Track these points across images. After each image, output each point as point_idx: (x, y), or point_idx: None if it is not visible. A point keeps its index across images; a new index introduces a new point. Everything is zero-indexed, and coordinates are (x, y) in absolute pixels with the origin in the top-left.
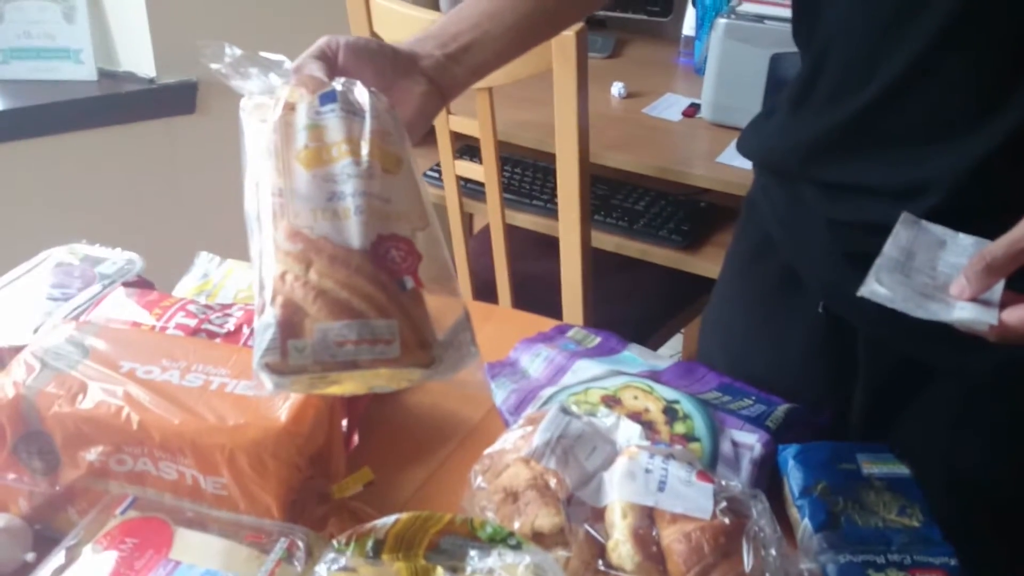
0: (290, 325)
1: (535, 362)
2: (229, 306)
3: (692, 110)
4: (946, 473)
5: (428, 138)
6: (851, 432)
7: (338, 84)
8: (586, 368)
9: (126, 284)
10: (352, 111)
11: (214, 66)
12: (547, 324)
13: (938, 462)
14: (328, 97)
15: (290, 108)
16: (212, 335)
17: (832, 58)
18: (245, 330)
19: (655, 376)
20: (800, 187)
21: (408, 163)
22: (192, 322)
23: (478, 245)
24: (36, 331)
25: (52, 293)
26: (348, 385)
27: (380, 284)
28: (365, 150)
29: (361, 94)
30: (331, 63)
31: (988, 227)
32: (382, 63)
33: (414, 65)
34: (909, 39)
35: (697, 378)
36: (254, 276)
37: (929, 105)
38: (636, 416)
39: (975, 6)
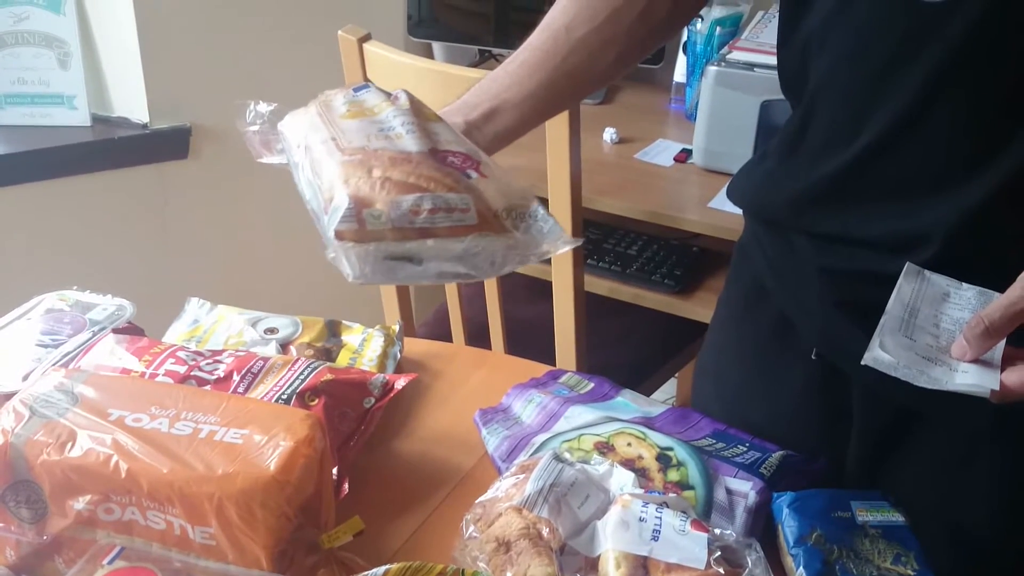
0: (363, 199)
1: (528, 408)
2: (219, 352)
3: (683, 156)
4: (941, 521)
5: None
6: (846, 479)
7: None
8: (579, 414)
9: (116, 330)
10: (386, 93)
11: (251, 128)
12: (540, 369)
13: (933, 510)
14: (362, 87)
15: (326, 101)
16: (202, 382)
17: (820, 111)
18: (235, 377)
19: (648, 422)
20: (791, 236)
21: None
22: (182, 368)
23: (470, 289)
24: (26, 378)
25: (42, 339)
26: (431, 265)
27: (445, 172)
28: (405, 103)
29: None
30: None
31: (987, 276)
32: None
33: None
34: (896, 93)
35: (691, 424)
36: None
37: (919, 157)
38: (629, 463)
39: (962, 59)
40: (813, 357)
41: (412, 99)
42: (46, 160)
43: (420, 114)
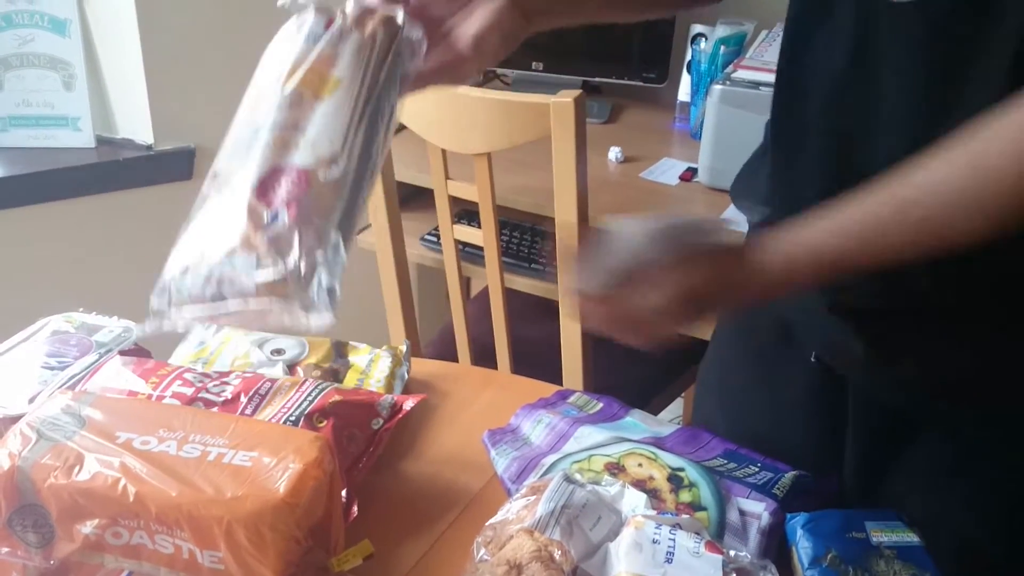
0: None
1: (537, 428)
2: (226, 374)
3: (689, 174)
4: (941, 532)
5: (427, 202)
6: (845, 485)
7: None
8: (589, 434)
9: (123, 353)
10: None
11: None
12: (548, 389)
13: (932, 520)
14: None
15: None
16: (209, 404)
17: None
18: (243, 398)
19: (659, 443)
20: None
21: (351, 89)
22: (189, 390)
23: (476, 309)
24: (32, 400)
25: (48, 362)
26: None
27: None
28: (297, 79)
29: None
30: None
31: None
32: None
33: None
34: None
35: (701, 444)
36: None
37: None
38: (641, 484)
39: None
40: (812, 360)
41: (325, 54)
42: (50, 182)
43: (312, 84)
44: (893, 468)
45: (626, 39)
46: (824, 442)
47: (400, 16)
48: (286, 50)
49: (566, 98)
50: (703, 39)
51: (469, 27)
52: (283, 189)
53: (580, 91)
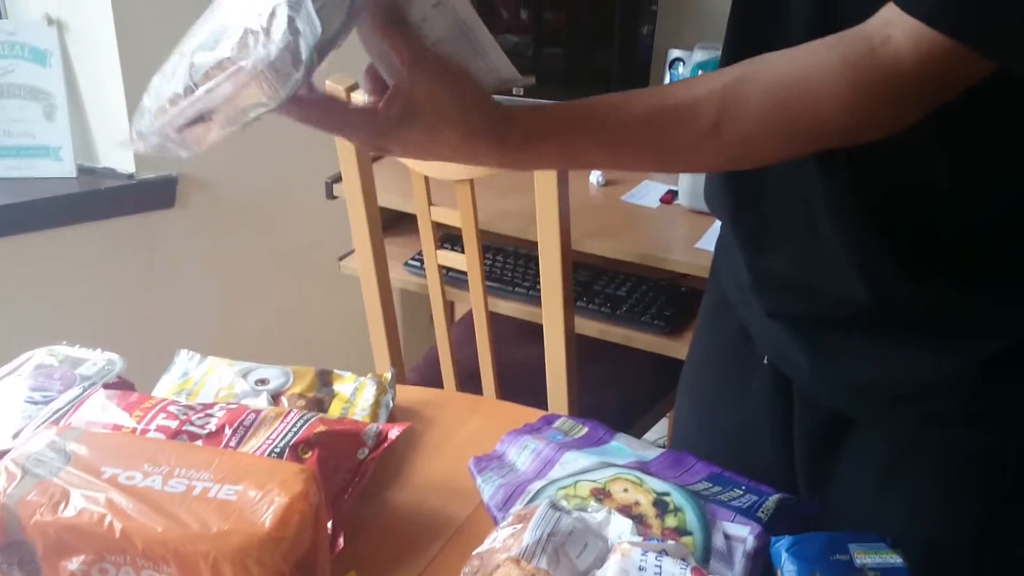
0: None
1: (522, 455)
2: (210, 406)
3: (669, 196)
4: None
5: (409, 227)
6: (797, 486)
7: None
8: (574, 460)
9: (106, 386)
10: None
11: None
12: (533, 415)
13: (875, 522)
14: None
15: None
16: (193, 436)
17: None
18: (227, 430)
19: (644, 467)
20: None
21: None
22: (173, 423)
23: (460, 332)
24: (16, 435)
25: (32, 396)
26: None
27: None
28: None
29: None
30: None
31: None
32: None
33: None
34: None
35: (686, 468)
36: None
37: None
38: (626, 510)
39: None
40: (765, 363)
41: None
42: (32, 212)
43: None
44: (835, 468)
45: (605, 64)
46: (776, 441)
47: None
48: None
49: None
50: (681, 63)
51: None
52: None
53: None
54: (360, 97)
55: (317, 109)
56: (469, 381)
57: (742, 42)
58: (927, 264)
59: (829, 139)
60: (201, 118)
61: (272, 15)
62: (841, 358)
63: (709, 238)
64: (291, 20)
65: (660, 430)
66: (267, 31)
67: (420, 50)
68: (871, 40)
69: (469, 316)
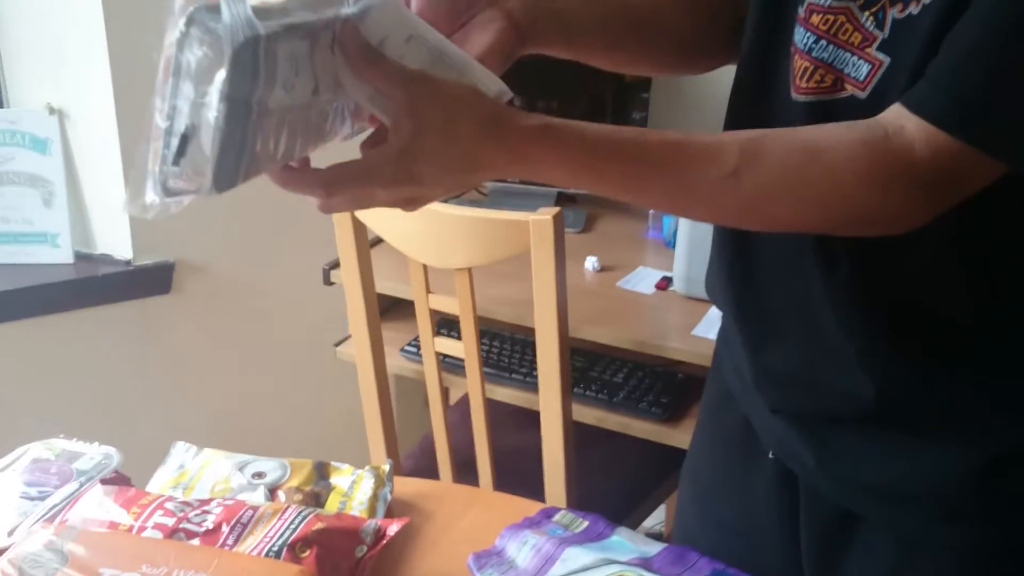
0: None
1: (523, 551)
2: (207, 502)
3: (664, 283)
4: None
5: (405, 312)
6: None
7: None
8: (575, 556)
9: (104, 481)
10: None
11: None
12: (532, 508)
13: None
14: None
15: None
16: (191, 534)
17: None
18: (224, 528)
19: (646, 563)
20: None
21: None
22: (170, 521)
23: (456, 417)
24: (12, 533)
25: (28, 492)
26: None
27: None
28: None
29: None
30: None
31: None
32: None
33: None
34: None
35: (689, 564)
36: None
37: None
38: None
39: None
40: (770, 457)
41: None
42: (27, 299)
43: None
44: (843, 566)
45: None
46: (783, 536)
47: None
48: None
49: (545, 216)
50: None
51: (467, 50)
52: None
53: (558, 208)
54: None
55: (335, 171)
56: (465, 468)
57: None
58: (930, 360)
59: (842, 215)
60: (185, 138)
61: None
62: (846, 457)
63: (705, 325)
64: None
65: (658, 515)
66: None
67: (407, 71)
68: (885, 129)
69: (464, 400)
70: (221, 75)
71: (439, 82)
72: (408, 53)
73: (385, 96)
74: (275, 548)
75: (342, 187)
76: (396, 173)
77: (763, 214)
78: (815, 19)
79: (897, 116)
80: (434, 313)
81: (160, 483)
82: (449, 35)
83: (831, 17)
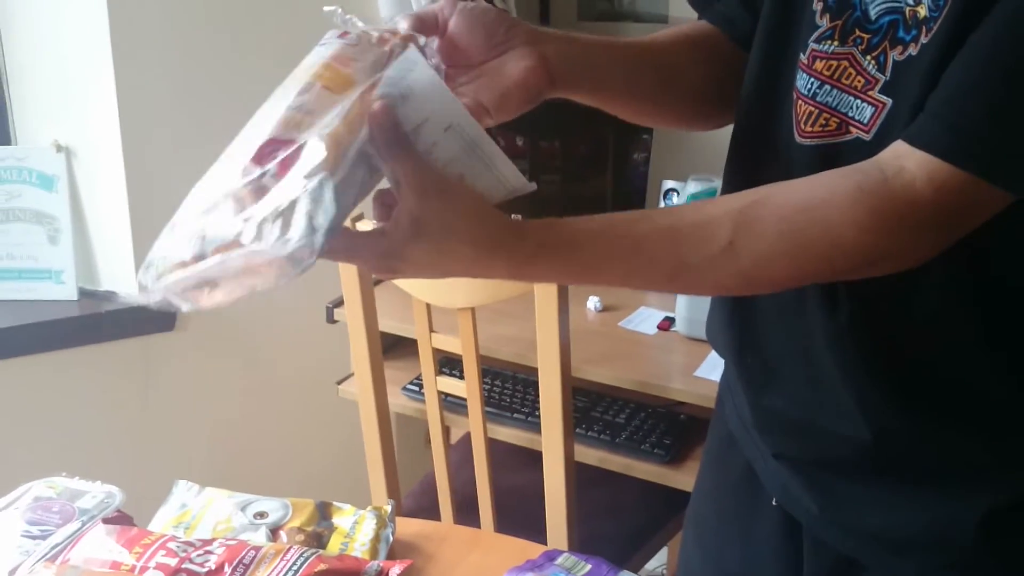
0: None
1: None
2: (210, 542)
3: (667, 323)
4: None
5: (407, 351)
6: None
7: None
8: None
9: (106, 520)
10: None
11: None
12: (534, 550)
13: None
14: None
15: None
16: (193, 575)
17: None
18: (227, 568)
19: None
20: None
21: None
22: (173, 561)
23: (458, 456)
24: (13, 572)
25: (30, 531)
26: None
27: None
28: (314, 71)
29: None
30: (430, 20)
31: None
32: (495, 28)
33: (532, 38)
34: None
35: None
36: None
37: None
38: None
39: None
40: (774, 504)
41: (337, 54)
42: (31, 335)
43: (328, 78)
44: None
45: (600, 193)
46: None
47: (422, 40)
48: (311, 57)
49: None
50: (675, 194)
51: (496, 81)
52: (280, 154)
53: None
54: (365, 225)
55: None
56: (466, 508)
57: (741, 169)
58: (929, 405)
59: (846, 263)
60: (207, 282)
61: (292, 207)
62: (849, 503)
63: (707, 366)
64: (310, 217)
65: (660, 558)
66: (286, 223)
67: (424, 172)
68: (884, 171)
69: (466, 439)
70: None
71: (452, 197)
72: (443, 141)
73: (395, 191)
74: None
75: (329, 255)
76: (378, 264)
77: (765, 280)
78: (819, 65)
79: (896, 156)
80: (437, 352)
81: (162, 522)
82: (481, 64)
83: (835, 63)
